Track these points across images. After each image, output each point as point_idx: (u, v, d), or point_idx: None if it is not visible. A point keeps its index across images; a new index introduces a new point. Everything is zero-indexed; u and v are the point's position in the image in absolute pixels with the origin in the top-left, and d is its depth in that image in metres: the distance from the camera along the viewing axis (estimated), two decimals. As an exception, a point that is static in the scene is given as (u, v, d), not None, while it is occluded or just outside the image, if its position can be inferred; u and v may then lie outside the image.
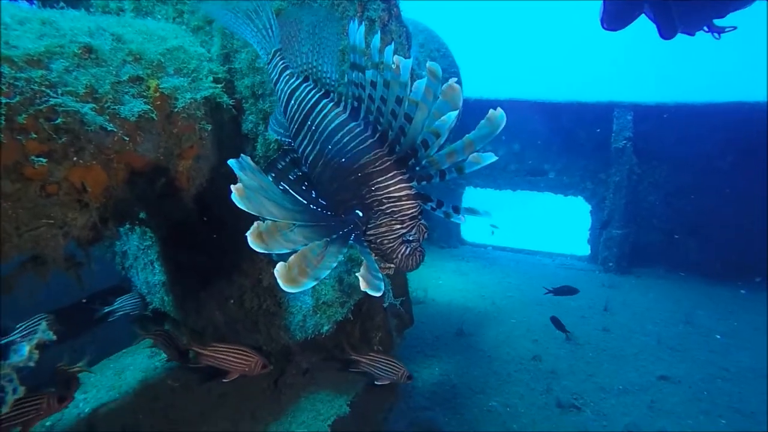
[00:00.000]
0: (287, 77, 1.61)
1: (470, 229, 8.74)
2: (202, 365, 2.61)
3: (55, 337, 1.24)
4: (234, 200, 1.08)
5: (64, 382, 2.56)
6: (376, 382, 2.93)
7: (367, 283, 1.13)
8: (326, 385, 3.01)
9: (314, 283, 1.11)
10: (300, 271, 1.10)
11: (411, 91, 1.25)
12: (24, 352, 1.21)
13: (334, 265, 1.17)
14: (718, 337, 5.48)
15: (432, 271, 7.11)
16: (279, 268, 1.07)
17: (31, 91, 1.63)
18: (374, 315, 2.98)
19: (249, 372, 2.64)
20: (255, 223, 1.09)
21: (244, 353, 2.62)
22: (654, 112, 7.34)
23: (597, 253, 7.84)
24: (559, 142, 8.06)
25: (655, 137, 7.40)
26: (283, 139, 1.65)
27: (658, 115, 7.31)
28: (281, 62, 1.64)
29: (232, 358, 2.60)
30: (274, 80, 1.65)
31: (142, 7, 2.53)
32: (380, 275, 1.18)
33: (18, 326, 2.78)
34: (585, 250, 8.27)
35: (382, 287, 1.15)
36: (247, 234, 1.08)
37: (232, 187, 1.08)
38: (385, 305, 2.83)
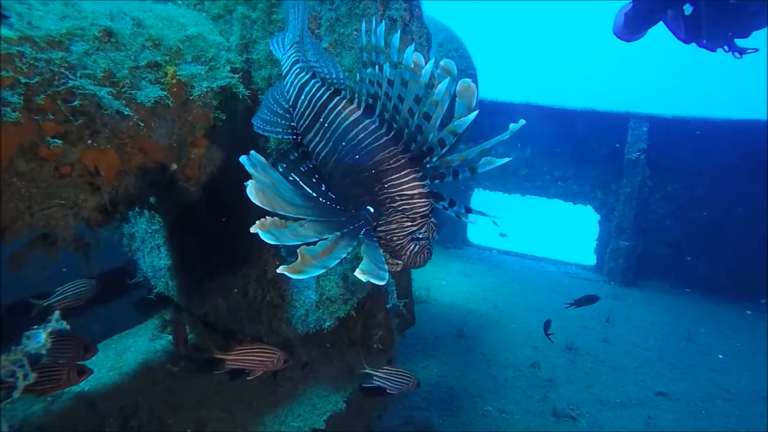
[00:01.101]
0: (297, 70, 1.60)
1: (477, 231, 8.72)
2: (226, 370, 2.63)
3: (68, 327, 1.24)
4: (249, 195, 1.09)
5: (83, 347, 2.60)
6: (388, 391, 2.93)
7: (370, 273, 1.13)
8: (324, 380, 3.02)
9: (321, 271, 1.12)
10: (304, 261, 1.12)
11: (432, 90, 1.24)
12: (41, 339, 1.21)
13: (343, 255, 1.18)
14: (720, 356, 5.44)
15: (436, 270, 7.10)
16: (282, 268, 1.07)
17: (51, 72, 1.64)
18: (376, 313, 2.99)
19: (272, 368, 2.67)
20: (259, 221, 1.10)
21: (266, 351, 2.64)
22: (670, 124, 7.27)
23: (603, 264, 7.80)
24: (572, 149, 8.01)
25: (670, 150, 7.33)
26: (283, 136, 1.64)
27: (675, 128, 7.24)
28: (294, 54, 1.63)
29: (255, 358, 2.62)
30: (284, 72, 1.64)
31: (164, -8, 2.53)
32: (385, 267, 1.19)
33: (57, 290, 2.85)
34: (591, 259, 8.23)
35: (386, 277, 1.16)
36: (255, 229, 1.08)
37: (249, 183, 1.09)
38: (388, 306, 2.83)
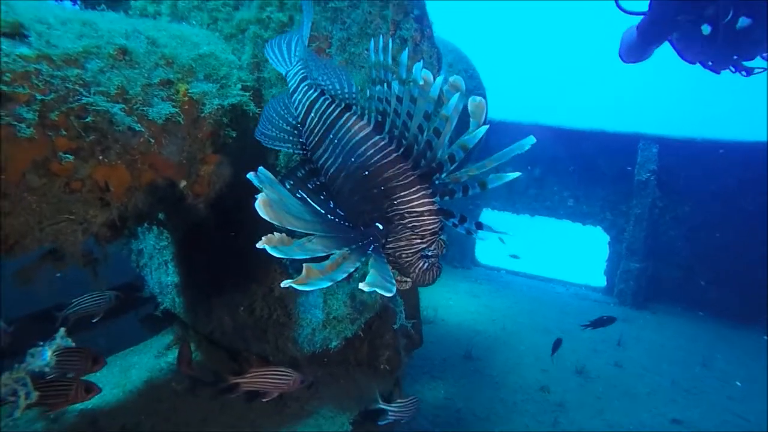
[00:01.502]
0: (305, 88, 1.60)
1: (485, 251, 8.67)
2: (240, 392, 2.62)
3: (73, 344, 1.23)
4: (257, 209, 1.08)
5: (92, 359, 2.58)
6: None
7: (376, 285, 1.12)
8: (330, 400, 2.97)
9: (328, 283, 1.11)
10: (309, 274, 1.11)
11: (442, 105, 1.24)
12: (46, 356, 1.20)
13: (351, 269, 1.17)
14: (738, 383, 5.27)
15: (444, 290, 7.04)
16: (287, 282, 1.06)
17: (66, 89, 1.67)
18: (383, 333, 2.94)
19: (288, 390, 2.65)
20: (265, 237, 1.08)
21: (282, 372, 2.63)
22: (680, 146, 7.23)
23: (613, 285, 7.68)
24: (581, 170, 7.99)
25: (680, 171, 7.28)
26: (294, 150, 1.64)
27: (685, 149, 7.20)
28: (301, 71, 1.64)
29: (271, 380, 2.60)
30: (291, 89, 1.64)
31: (179, 12, 2.59)
32: (392, 280, 1.18)
33: (73, 301, 2.86)
34: (600, 281, 8.12)
35: (393, 289, 1.15)
36: (262, 244, 1.07)
37: (258, 198, 1.08)
38: (396, 327, 2.80)
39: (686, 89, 31.26)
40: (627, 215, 7.53)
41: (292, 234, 1.15)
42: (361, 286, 1.10)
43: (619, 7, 3.53)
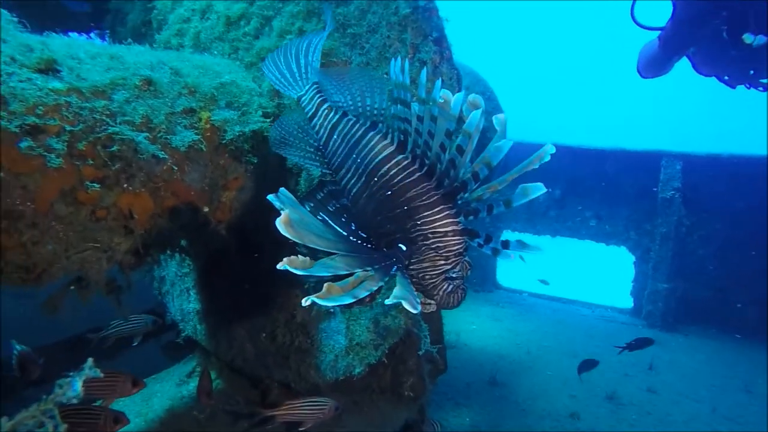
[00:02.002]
0: (326, 111, 1.59)
1: (506, 274, 8.53)
2: (275, 425, 2.61)
3: (102, 374, 1.21)
4: (278, 227, 1.07)
5: (131, 381, 2.59)
6: None
7: (403, 298, 1.10)
8: (354, 428, 2.90)
9: (350, 300, 1.10)
10: (331, 291, 1.10)
11: (464, 122, 1.23)
12: (77, 387, 1.18)
13: (374, 288, 1.15)
14: (788, 411, 4.97)
15: (466, 314, 6.91)
16: (307, 298, 1.05)
17: (93, 119, 1.71)
18: (407, 359, 2.87)
19: (323, 419, 2.63)
20: (287, 258, 1.07)
21: (317, 403, 2.62)
22: (705, 162, 7.08)
23: (640, 307, 7.44)
24: (602, 189, 7.86)
25: (706, 188, 7.10)
26: (322, 170, 1.64)
27: (710, 165, 7.04)
28: (318, 96, 1.64)
29: (306, 411, 2.60)
30: (309, 114, 1.63)
31: (201, 43, 2.66)
32: (417, 296, 1.16)
33: (112, 323, 2.91)
34: (627, 302, 7.88)
35: (419, 306, 1.13)
36: (283, 265, 1.06)
37: (281, 215, 1.07)
38: (420, 352, 2.73)
39: (682, 102, 31.11)
40: (652, 234, 7.34)
41: (314, 255, 1.14)
42: (386, 301, 1.08)
43: (635, 21, 3.53)
